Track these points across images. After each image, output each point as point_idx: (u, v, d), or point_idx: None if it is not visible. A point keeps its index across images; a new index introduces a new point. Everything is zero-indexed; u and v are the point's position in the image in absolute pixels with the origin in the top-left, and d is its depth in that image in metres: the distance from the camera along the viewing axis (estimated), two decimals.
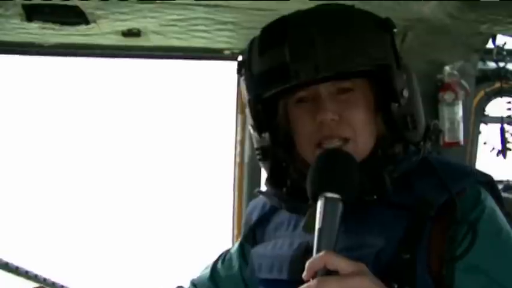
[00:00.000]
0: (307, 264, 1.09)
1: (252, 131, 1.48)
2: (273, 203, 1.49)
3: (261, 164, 1.50)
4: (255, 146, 1.49)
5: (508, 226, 1.31)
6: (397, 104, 1.35)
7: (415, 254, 1.23)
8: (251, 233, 1.59)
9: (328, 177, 1.21)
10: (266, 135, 1.44)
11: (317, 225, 1.15)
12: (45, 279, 2.74)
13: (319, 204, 1.17)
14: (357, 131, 1.34)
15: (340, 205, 1.17)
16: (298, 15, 1.36)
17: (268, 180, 1.48)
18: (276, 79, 1.32)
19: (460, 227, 1.25)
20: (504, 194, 2.52)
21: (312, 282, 1.07)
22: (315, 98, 1.35)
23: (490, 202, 1.31)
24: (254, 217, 1.58)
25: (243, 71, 1.42)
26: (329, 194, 1.17)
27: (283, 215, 1.48)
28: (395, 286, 1.21)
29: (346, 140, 1.33)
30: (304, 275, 1.09)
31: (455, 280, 1.23)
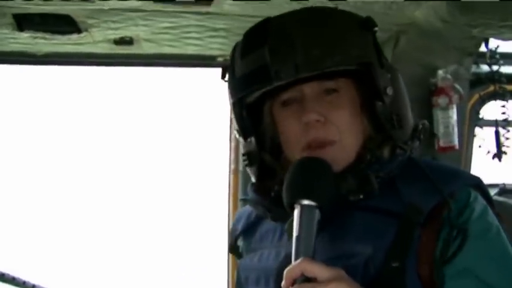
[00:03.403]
0: (285, 272, 1.10)
1: (237, 135, 1.47)
2: (258, 212, 1.47)
3: (248, 169, 1.48)
4: (241, 151, 1.47)
5: (497, 223, 1.30)
6: (381, 103, 1.34)
7: (404, 261, 1.21)
8: (236, 244, 1.56)
9: (303, 184, 1.21)
10: (252, 139, 1.44)
11: (294, 233, 1.15)
12: None
13: (296, 212, 1.18)
14: (343, 132, 1.33)
15: (317, 212, 1.18)
16: (279, 18, 1.36)
17: (254, 188, 1.47)
18: (257, 81, 1.32)
19: (450, 231, 1.24)
20: (500, 198, 2.54)
21: None
22: (300, 100, 1.35)
23: (481, 201, 1.31)
24: (240, 227, 1.55)
25: (227, 75, 1.41)
26: (305, 202, 1.18)
27: (269, 224, 1.44)
28: None
29: (332, 142, 1.32)
30: (282, 284, 1.10)
31: (445, 286, 1.22)
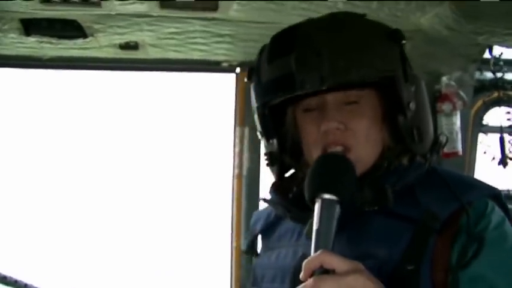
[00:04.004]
0: (304, 263, 1.10)
1: (260, 137, 1.50)
2: (277, 211, 1.48)
3: (269, 169, 1.52)
4: (264, 151, 1.51)
5: None
6: (403, 117, 1.35)
7: (419, 265, 1.21)
8: (254, 243, 1.58)
9: (325, 179, 1.22)
10: (274, 141, 1.47)
11: (314, 226, 1.16)
12: None
13: (317, 206, 1.18)
14: (360, 140, 1.34)
15: (337, 207, 1.18)
16: (307, 25, 1.37)
17: (274, 188, 1.49)
18: (282, 88, 1.34)
19: (466, 237, 1.23)
20: None
21: (309, 281, 1.08)
22: (322, 107, 1.36)
23: (498, 212, 1.30)
24: (258, 227, 1.56)
25: (253, 78, 1.43)
26: (326, 196, 1.18)
27: (288, 224, 1.45)
28: None
29: (348, 149, 1.33)
30: (301, 275, 1.10)
31: None
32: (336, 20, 1.36)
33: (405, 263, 1.22)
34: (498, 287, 1.20)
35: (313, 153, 1.37)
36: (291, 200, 1.42)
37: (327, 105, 1.35)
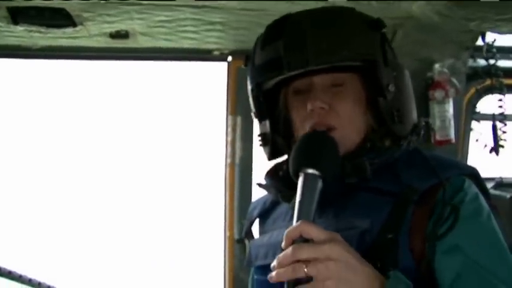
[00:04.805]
0: (285, 233, 1.18)
1: (253, 117, 1.61)
2: (271, 194, 1.58)
3: (263, 149, 1.61)
4: (258, 132, 1.60)
5: (489, 208, 1.36)
6: (383, 98, 1.45)
7: (398, 234, 1.29)
8: (251, 229, 1.67)
9: (308, 154, 1.32)
10: (266, 122, 1.58)
11: (297, 198, 1.24)
12: (49, 287, 2.72)
13: (300, 180, 1.27)
14: (344, 121, 1.44)
15: (320, 181, 1.26)
16: (297, 14, 1.49)
17: (267, 172, 1.58)
18: (271, 69, 1.47)
19: (443, 209, 1.31)
20: (496, 191, 2.54)
21: (288, 249, 1.16)
22: (310, 89, 1.47)
23: (474, 188, 1.38)
24: (255, 213, 1.66)
25: (248, 63, 1.55)
26: (309, 170, 1.27)
27: (282, 208, 1.56)
28: (379, 265, 1.24)
29: (332, 129, 1.43)
30: (282, 244, 1.18)
31: (435, 261, 1.28)
32: (323, 11, 1.49)
33: (385, 232, 1.30)
34: (473, 256, 1.27)
35: (300, 132, 1.47)
36: (281, 179, 1.51)
37: (314, 86, 1.47)
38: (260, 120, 1.60)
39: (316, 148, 1.33)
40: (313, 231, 1.17)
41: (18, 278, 2.56)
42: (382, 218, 1.31)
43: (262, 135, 1.60)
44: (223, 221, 2.68)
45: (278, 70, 1.45)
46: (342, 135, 1.42)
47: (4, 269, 2.56)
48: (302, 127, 1.47)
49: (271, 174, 1.57)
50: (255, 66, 1.52)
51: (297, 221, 1.21)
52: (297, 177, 1.28)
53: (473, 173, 1.43)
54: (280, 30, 1.46)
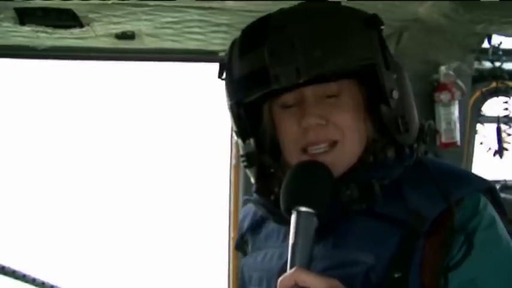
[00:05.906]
0: (278, 281, 1.09)
1: (235, 137, 1.42)
2: (261, 212, 1.43)
3: (247, 171, 1.42)
4: (240, 152, 1.41)
5: (507, 236, 1.24)
6: (386, 106, 1.28)
7: (407, 272, 1.17)
8: (242, 241, 1.53)
9: (300, 190, 1.18)
10: (251, 141, 1.37)
11: (290, 241, 1.14)
12: (52, 286, 2.73)
13: (293, 218, 1.15)
14: (345, 134, 1.27)
15: (314, 220, 1.15)
16: (279, 14, 1.29)
17: (256, 188, 1.41)
18: (256, 84, 1.25)
19: (456, 238, 1.18)
20: (501, 195, 2.53)
21: None
22: (300, 103, 1.29)
23: (490, 211, 1.24)
24: (246, 224, 1.51)
25: (225, 74, 1.35)
26: (302, 208, 1.15)
27: (274, 224, 1.40)
28: None
29: (333, 143, 1.27)
30: None
31: None
32: (309, 9, 1.28)
33: (392, 270, 1.17)
34: None
35: (293, 152, 1.30)
36: (273, 201, 1.34)
37: (305, 100, 1.27)
38: (243, 140, 1.38)
39: (307, 182, 1.18)
40: (310, 280, 1.07)
41: (22, 277, 2.57)
42: (389, 253, 1.18)
43: (246, 156, 1.38)
44: (227, 222, 2.68)
45: (264, 85, 1.23)
46: (343, 151, 1.27)
47: (8, 268, 2.57)
48: (295, 146, 1.29)
49: (261, 190, 1.39)
50: (233, 78, 1.29)
51: (291, 265, 1.11)
52: (289, 214, 1.16)
53: (488, 188, 1.28)
54: (262, 35, 1.24)
